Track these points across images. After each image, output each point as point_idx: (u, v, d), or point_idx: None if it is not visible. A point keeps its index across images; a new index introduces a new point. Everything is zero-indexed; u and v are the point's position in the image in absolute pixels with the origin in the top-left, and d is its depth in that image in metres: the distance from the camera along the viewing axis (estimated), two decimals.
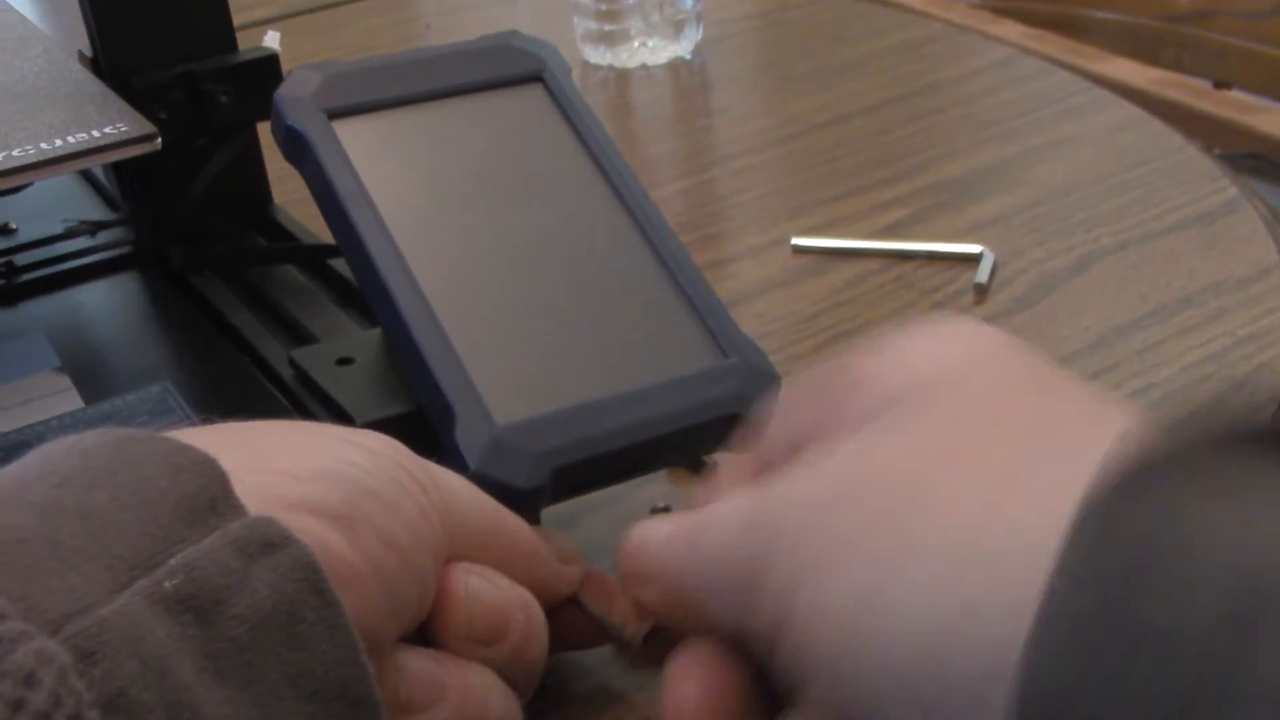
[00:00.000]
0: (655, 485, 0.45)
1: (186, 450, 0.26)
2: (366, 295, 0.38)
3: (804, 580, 0.25)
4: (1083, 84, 0.74)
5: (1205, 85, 1.07)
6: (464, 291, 0.37)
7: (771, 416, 0.32)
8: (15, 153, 0.39)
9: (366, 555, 0.27)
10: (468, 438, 0.35)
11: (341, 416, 0.38)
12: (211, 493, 0.25)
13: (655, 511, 0.43)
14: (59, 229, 0.54)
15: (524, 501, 0.35)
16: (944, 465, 0.25)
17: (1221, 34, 1.16)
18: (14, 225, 0.55)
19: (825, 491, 0.26)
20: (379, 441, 0.30)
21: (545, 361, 0.37)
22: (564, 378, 0.37)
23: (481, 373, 0.36)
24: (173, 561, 0.24)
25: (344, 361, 0.40)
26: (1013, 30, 1.02)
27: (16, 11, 0.59)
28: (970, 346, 0.29)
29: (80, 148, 0.39)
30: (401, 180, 0.39)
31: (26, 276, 0.50)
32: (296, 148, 0.39)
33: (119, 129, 0.40)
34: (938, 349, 0.29)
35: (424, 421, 0.36)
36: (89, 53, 0.52)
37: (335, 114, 0.39)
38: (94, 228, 0.53)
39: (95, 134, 0.40)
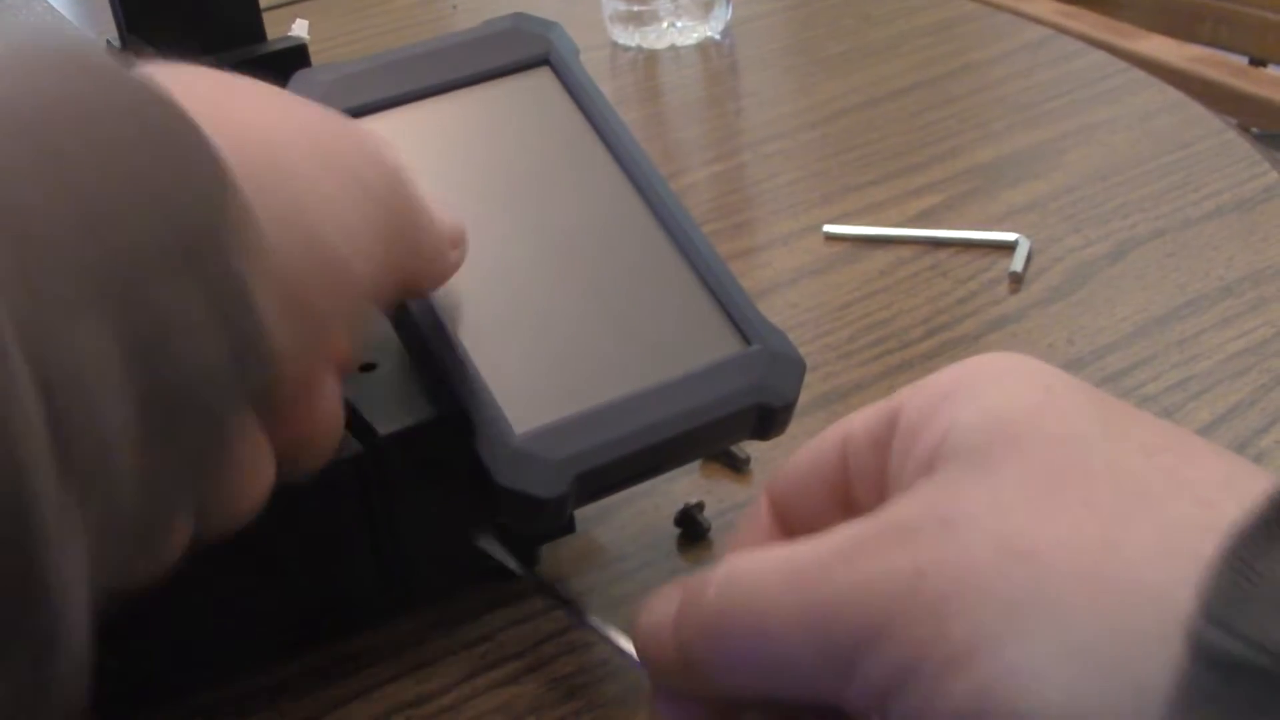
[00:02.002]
0: (688, 478, 0.44)
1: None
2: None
3: (993, 643, 0.23)
4: (1118, 65, 0.72)
5: (1241, 62, 1.05)
6: (478, 294, 0.37)
7: (788, 467, 0.31)
8: None
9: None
10: (489, 450, 0.34)
11: (364, 426, 0.38)
12: None
13: (689, 509, 0.42)
14: None
15: (550, 510, 0.34)
16: (1110, 524, 0.24)
17: (1259, 8, 1.14)
18: None
19: (989, 552, 0.24)
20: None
21: (562, 362, 0.36)
22: (583, 378, 0.36)
23: (499, 380, 0.35)
24: None
25: (367, 367, 0.40)
26: (1046, 7, 1.01)
27: (52, 7, 0.59)
28: (1035, 383, 0.27)
29: None
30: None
31: None
32: None
33: None
34: (1008, 388, 0.27)
35: (449, 429, 0.36)
36: (117, 43, 0.52)
37: (345, 115, 0.39)
38: None
39: None
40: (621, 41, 0.85)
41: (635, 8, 0.84)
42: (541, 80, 0.42)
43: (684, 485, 0.44)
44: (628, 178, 0.40)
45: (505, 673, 0.38)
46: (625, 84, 0.79)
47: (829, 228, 0.59)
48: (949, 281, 0.54)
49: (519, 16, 0.42)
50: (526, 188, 0.39)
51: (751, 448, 0.45)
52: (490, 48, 0.42)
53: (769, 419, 0.37)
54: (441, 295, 0.36)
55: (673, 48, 0.84)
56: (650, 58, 0.83)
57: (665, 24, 0.84)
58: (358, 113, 0.39)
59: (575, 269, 0.38)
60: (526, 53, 0.42)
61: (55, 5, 0.55)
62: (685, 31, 0.84)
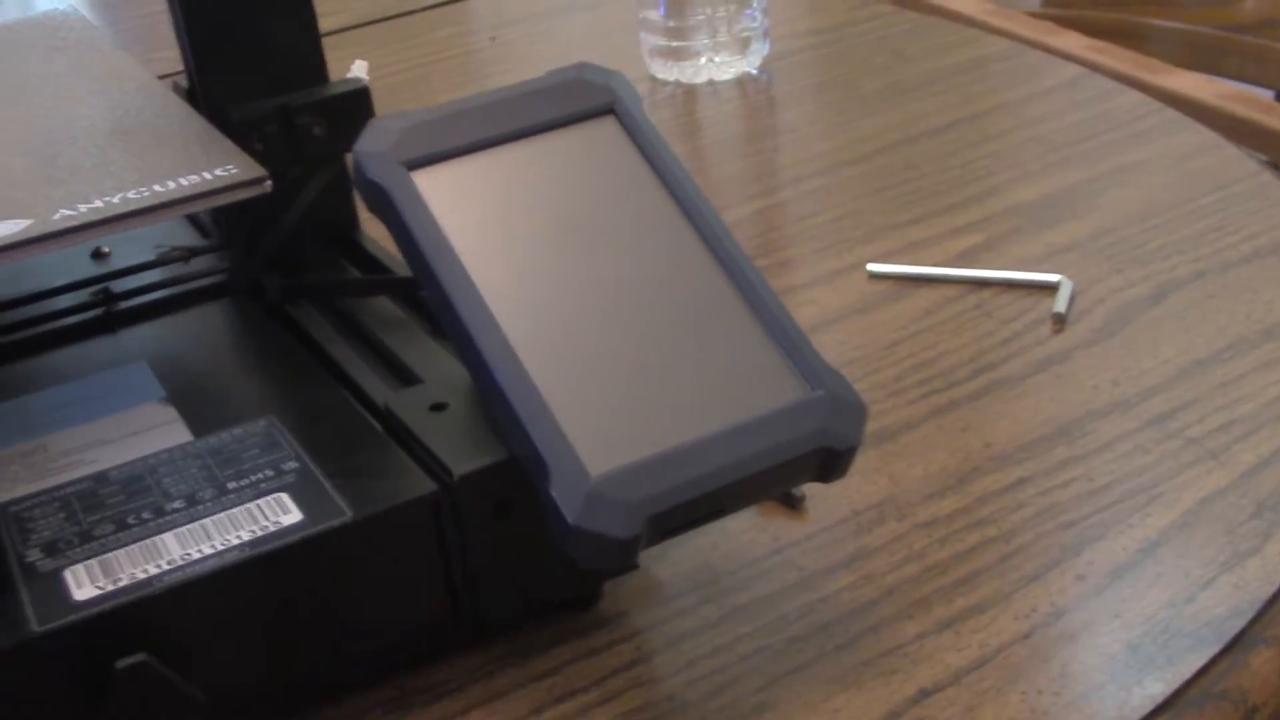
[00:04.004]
0: (745, 515, 0.45)
1: None
2: (453, 344, 0.39)
3: None
4: (1153, 105, 0.74)
5: (1269, 97, 1.06)
6: (550, 338, 0.38)
7: None
8: (130, 194, 0.40)
9: None
10: (564, 492, 0.35)
11: (438, 465, 0.39)
12: None
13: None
14: (150, 254, 0.55)
15: (623, 551, 0.35)
16: None
17: None
18: (106, 249, 0.56)
19: None
20: None
21: (634, 405, 0.37)
22: (653, 421, 0.37)
23: (572, 422, 0.37)
24: None
25: (438, 407, 0.41)
26: (1076, 42, 1.02)
27: (103, 32, 0.60)
28: None
29: (193, 191, 0.40)
30: (482, 228, 0.40)
31: (125, 304, 0.52)
32: (378, 201, 0.40)
33: (229, 171, 0.41)
34: None
35: (521, 469, 0.37)
36: (184, 83, 0.53)
37: (414, 165, 0.40)
38: (188, 254, 0.55)
39: (206, 176, 0.41)
40: (660, 76, 0.87)
41: (674, 43, 0.86)
42: (606, 129, 0.43)
43: (740, 522, 0.45)
44: (691, 224, 0.41)
45: (575, 705, 0.39)
46: (664, 119, 0.80)
47: (873, 266, 0.60)
48: (993, 321, 0.55)
49: (583, 66, 0.44)
50: (594, 234, 0.41)
51: (806, 486, 0.46)
52: (555, 97, 0.43)
53: (832, 462, 0.38)
54: (517, 340, 0.37)
55: (710, 83, 0.86)
56: (688, 92, 0.84)
57: (703, 59, 0.85)
58: (428, 161, 0.41)
59: (642, 314, 0.39)
60: (591, 102, 0.43)
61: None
62: (723, 67, 0.86)
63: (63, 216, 0.39)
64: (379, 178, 0.39)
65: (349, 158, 0.54)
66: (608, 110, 0.43)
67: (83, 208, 0.39)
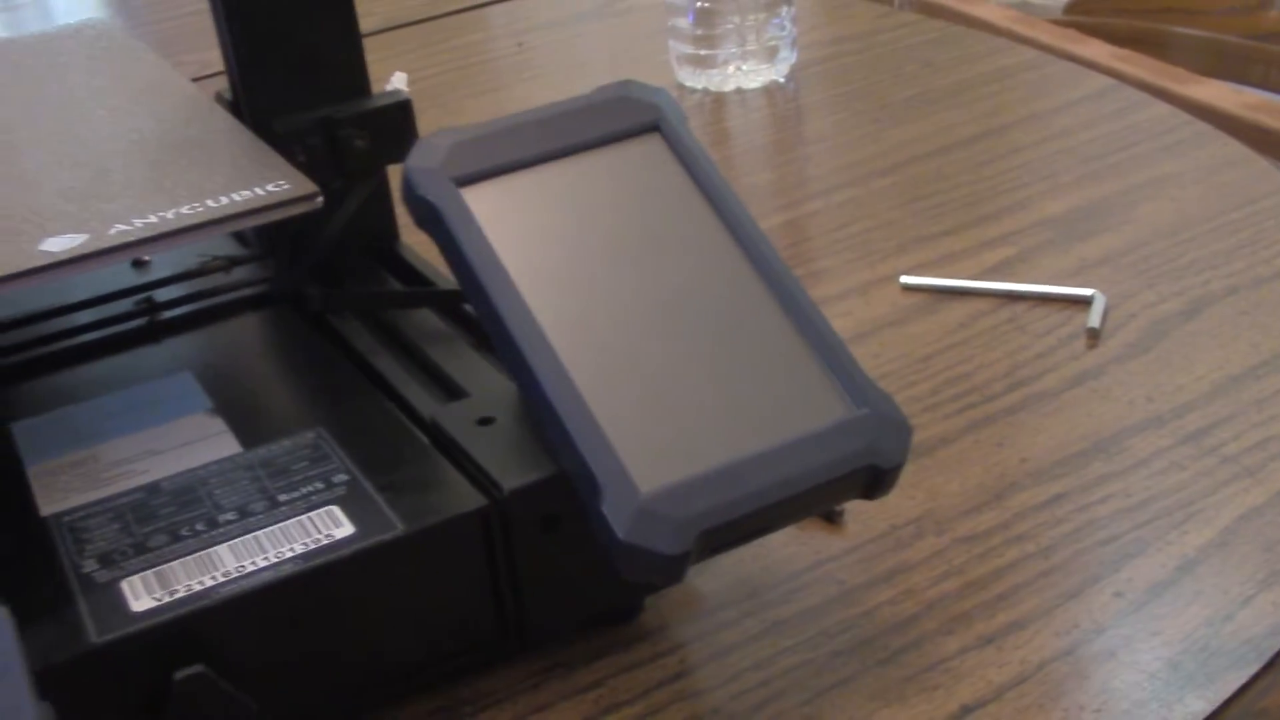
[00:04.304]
0: (785, 529, 0.46)
1: None
2: (503, 360, 0.39)
3: None
4: (1183, 118, 0.74)
5: None
6: (599, 355, 0.38)
7: None
8: (184, 210, 0.41)
9: None
10: (614, 507, 0.36)
11: (488, 480, 0.39)
12: None
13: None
14: (191, 263, 0.56)
15: (672, 566, 0.36)
16: None
17: None
18: (147, 258, 0.57)
19: None
20: None
21: (682, 422, 0.38)
22: (701, 438, 0.38)
23: (622, 439, 0.37)
24: None
25: (485, 421, 0.42)
26: (1100, 50, 1.02)
27: (141, 44, 0.61)
28: None
29: (247, 207, 0.40)
30: (531, 244, 0.40)
31: (168, 314, 0.52)
32: (429, 217, 0.40)
33: (282, 186, 0.42)
34: None
35: (569, 484, 0.38)
36: (228, 95, 0.54)
37: (463, 181, 0.41)
38: (228, 264, 0.55)
39: (259, 191, 0.41)
40: (688, 84, 0.87)
41: (702, 51, 0.86)
42: (652, 146, 0.43)
43: (780, 536, 0.46)
44: (737, 241, 0.42)
45: (620, 717, 0.39)
46: (693, 126, 0.80)
47: (906, 278, 0.60)
48: (1027, 335, 0.56)
49: (628, 84, 0.44)
50: (641, 250, 0.41)
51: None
52: (602, 114, 0.43)
53: (878, 480, 0.38)
54: (567, 356, 0.38)
55: (738, 91, 0.86)
56: (716, 100, 0.85)
57: (731, 67, 0.86)
58: (477, 178, 0.41)
59: (690, 331, 0.40)
60: (637, 119, 0.43)
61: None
62: (750, 75, 0.86)
63: (118, 232, 0.40)
64: (429, 194, 0.40)
65: (389, 170, 0.55)
66: (653, 127, 0.43)
67: (138, 223, 0.40)
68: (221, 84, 0.54)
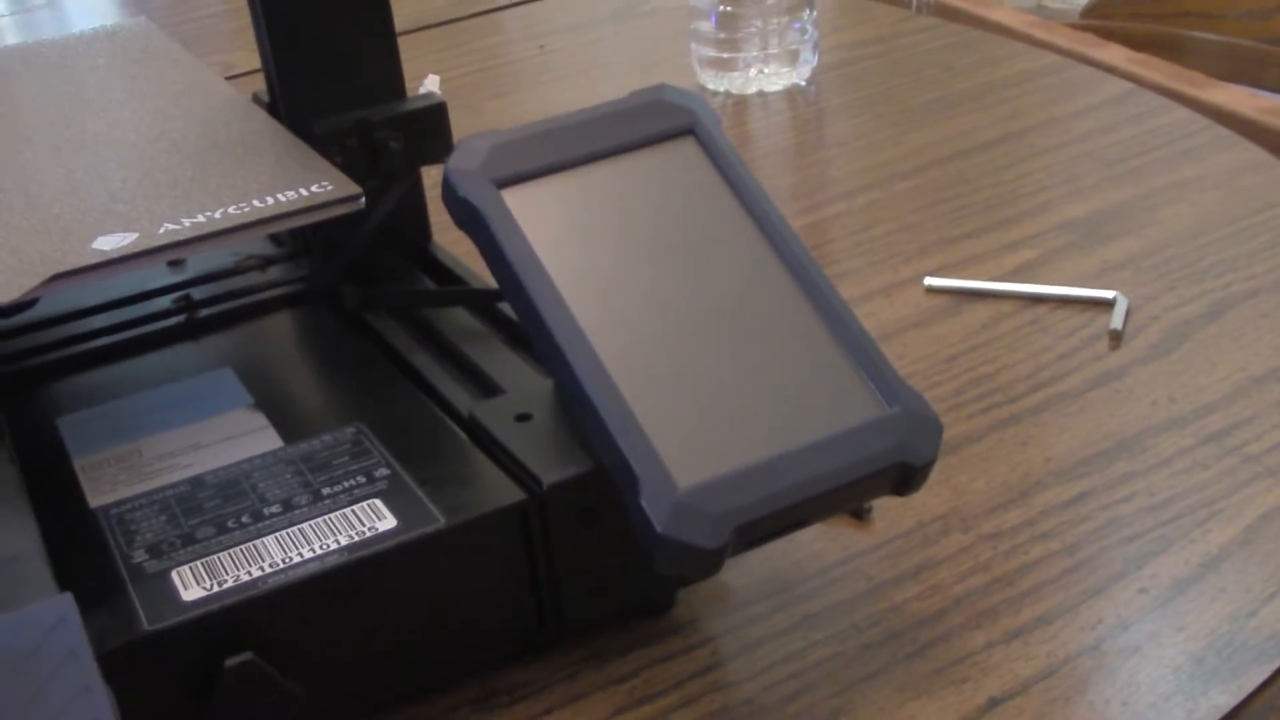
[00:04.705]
0: (814, 525, 0.47)
1: None
2: (542, 359, 0.40)
3: None
4: (1202, 122, 0.75)
5: None
6: (637, 353, 0.39)
7: None
8: (231, 209, 0.42)
9: None
10: (652, 502, 0.37)
11: (526, 475, 0.40)
12: None
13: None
14: (227, 261, 0.57)
15: (709, 560, 0.37)
16: None
17: None
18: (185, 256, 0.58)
19: None
20: None
21: (718, 419, 0.39)
22: (737, 435, 0.39)
23: (659, 435, 0.38)
24: None
25: (523, 417, 0.43)
26: (1118, 54, 1.03)
27: (179, 45, 0.62)
28: None
29: (292, 208, 0.41)
30: (570, 244, 0.41)
31: (206, 311, 0.53)
32: (469, 219, 0.41)
33: (325, 187, 0.43)
34: None
35: (607, 479, 0.39)
36: (265, 97, 0.55)
37: (503, 183, 0.42)
38: (264, 262, 0.56)
39: (303, 192, 0.42)
40: (710, 86, 0.88)
41: (724, 54, 0.87)
42: (686, 149, 0.44)
43: (809, 532, 0.47)
44: (769, 242, 0.43)
45: (655, 708, 0.40)
46: None
47: (930, 280, 0.61)
48: (1050, 337, 0.57)
49: (663, 88, 0.45)
50: (676, 251, 0.42)
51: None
52: (637, 118, 0.44)
53: (909, 477, 0.39)
54: (606, 354, 0.39)
55: (760, 94, 0.87)
56: (738, 103, 0.86)
57: (753, 70, 0.87)
58: (516, 180, 0.42)
59: (725, 330, 0.40)
60: (672, 123, 0.44)
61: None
62: (772, 78, 0.87)
63: (167, 231, 0.41)
64: (470, 195, 0.41)
65: (423, 170, 0.56)
66: (688, 131, 0.44)
67: (186, 222, 0.41)
68: (245, 86, 0.55)
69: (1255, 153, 0.70)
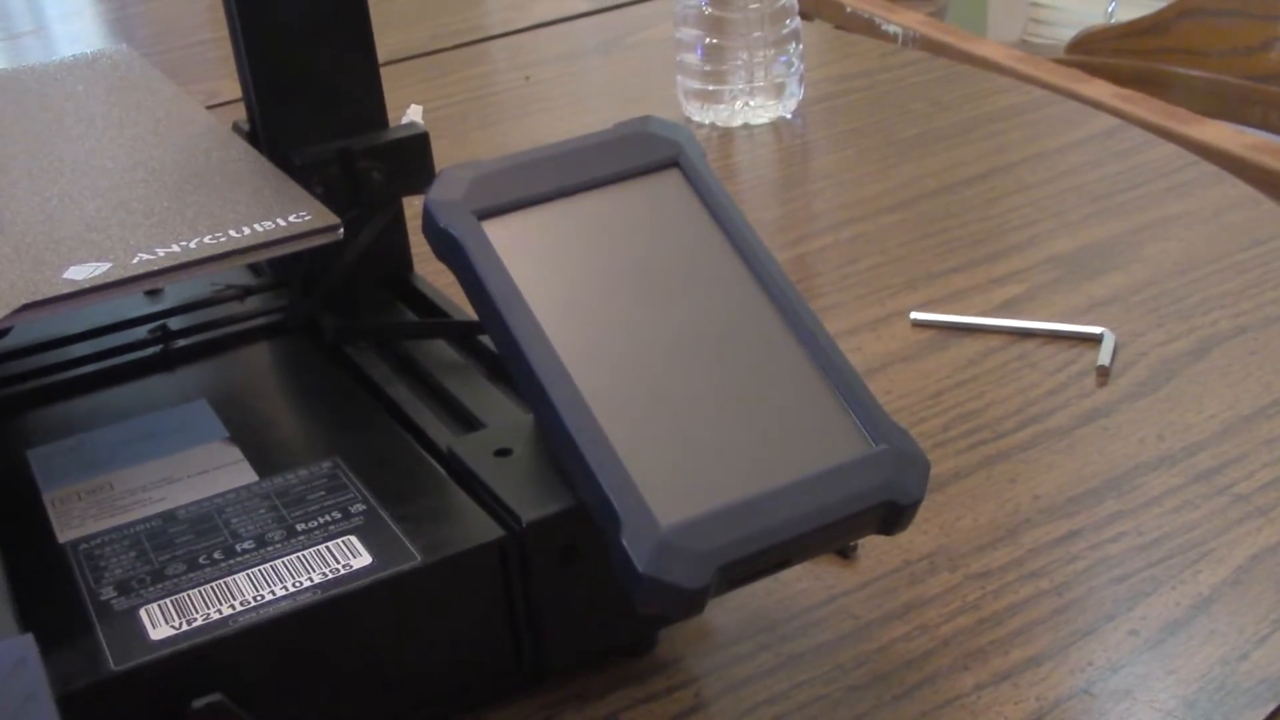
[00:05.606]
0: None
1: None
2: (523, 393, 0.40)
3: None
4: (1188, 158, 0.75)
5: None
6: (619, 388, 0.39)
7: None
8: (207, 239, 0.41)
9: None
10: (634, 540, 0.36)
11: (506, 512, 0.39)
12: None
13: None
14: (205, 292, 0.56)
15: (692, 600, 0.36)
16: None
17: None
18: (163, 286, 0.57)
19: None
20: None
21: (701, 456, 0.38)
22: (721, 473, 0.38)
23: (641, 472, 0.37)
24: None
25: (502, 453, 0.42)
26: (1104, 90, 1.03)
27: (160, 74, 0.61)
28: None
29: (269, 238, 0.41)
30: (551, 277, 0.40)
31: (182, 342, 0.52)
32: (450, 250, 0.40)
33: (303, 217, 0.42)
34: None
35: (588, 516, 0.38)
36: (245, 125, 0.54)
37: (484, 215, 0.41)
38: (242, 293, 0.55)
39: (281, 222, 0.42)
40: (695, 118, 0.88)
41: (710, 86, 0.87)
42: (671, 182, 0.44)
43: (794, 570, 0.46)
44: (755, 277, 0.42)
45: None
46: None
47: (916, 315, 0.60)
48: (1038, 373, 0.56)
49: (648, 120, 0.44)
50: (660, 285, 0.41)
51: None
52: (621, 150, 0.44)
53: (896, 516, 0.38)
54: (587, 389, 0.38)
55: (746, 126, 0.87)
56: (724, 135, 0.85)
57: (739, 103, 0.87)
58: (497, 211, 0.41)
59: (709, 366, 0.40)
60: (657, 155, 0.44)
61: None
62: (758, 111, 0.87)
63: (141, 261, 0.40)
64: (451, 227, 0.40)
65: (404, 200, 0.55)
66: (673, 163, 0.44)
67: (161, 252, 0.40)
68: (228, 114, 0.54)
69: (1242, 189, 0.70)
